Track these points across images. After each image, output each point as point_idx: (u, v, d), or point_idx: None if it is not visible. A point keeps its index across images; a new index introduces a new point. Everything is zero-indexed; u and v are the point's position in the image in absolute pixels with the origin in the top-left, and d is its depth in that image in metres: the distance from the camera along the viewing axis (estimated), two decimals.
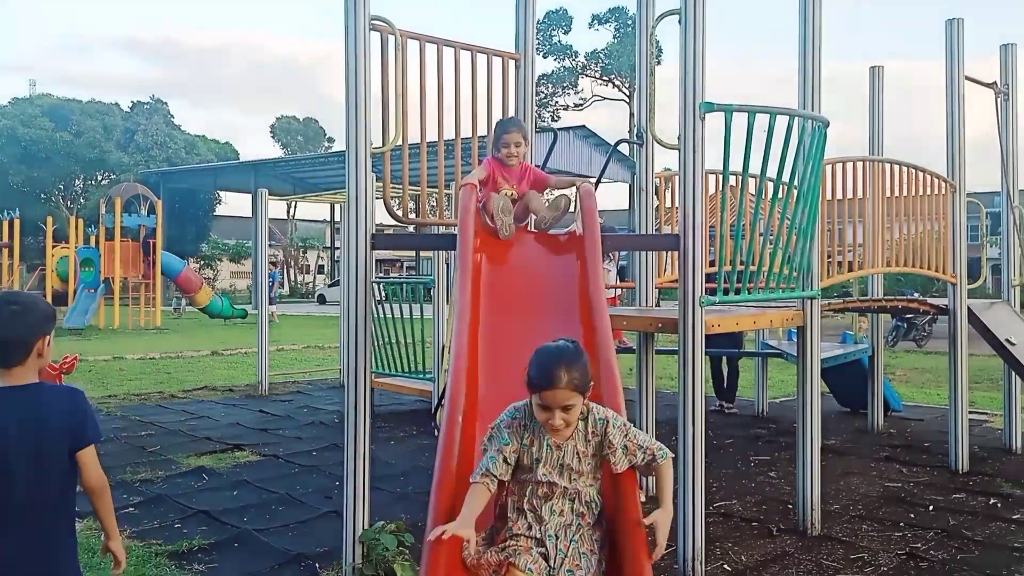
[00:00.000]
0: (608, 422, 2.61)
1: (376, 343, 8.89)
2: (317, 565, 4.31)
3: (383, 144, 4.42)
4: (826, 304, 6.39)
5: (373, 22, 4.28)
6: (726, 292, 4.41)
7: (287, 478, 6.27)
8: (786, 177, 4.50)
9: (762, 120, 4.28)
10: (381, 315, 8.81)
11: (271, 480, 6.18)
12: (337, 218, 43.96)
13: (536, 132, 5.36)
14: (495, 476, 2.54)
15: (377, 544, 4.11)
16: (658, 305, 6.50)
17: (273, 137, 63.19)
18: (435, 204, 4.95)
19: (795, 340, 5.65)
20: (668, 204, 6.69)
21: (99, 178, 47.11)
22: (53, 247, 23.35)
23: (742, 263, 4.48)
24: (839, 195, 6.01)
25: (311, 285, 51.91)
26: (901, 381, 11.87)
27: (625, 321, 5.01)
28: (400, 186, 4.70)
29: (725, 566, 4.44)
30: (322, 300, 41.99)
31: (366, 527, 4.26)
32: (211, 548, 4.64)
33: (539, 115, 50.86)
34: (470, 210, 3.94)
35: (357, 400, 4.26)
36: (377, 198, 5.78)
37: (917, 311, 7.45)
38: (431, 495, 2.67)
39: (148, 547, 4.60)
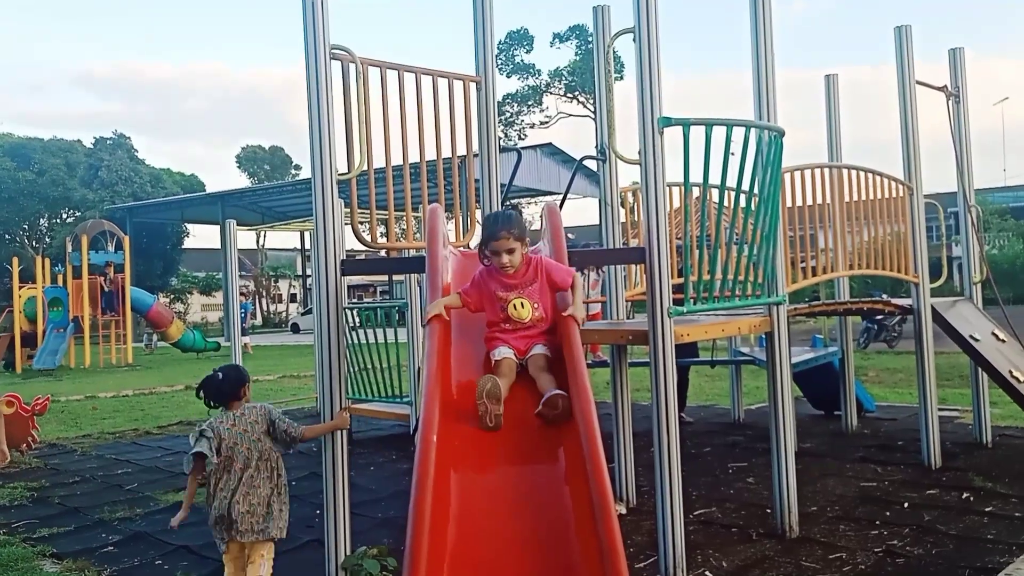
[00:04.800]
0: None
1: (352, 369, 8.87)
2: None
3: (348, 170, 4.46)
4: (793, 309, 6.51)
5: (333, 51, 4.34)
6: (694, 301, 4.49)
7: None
8: (746, 186, 4.60)
9: (720, 132, 4.38)
10: (355, 341, 8.80)
11: None
12: (307, 246, 43.82)
13: (500, 152, 5.43)
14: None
15: (360, 570, 4.11)
16: (631, 317, 6.58)
17: (239, 167, 62.86)
18: (405, 227, 5.00)
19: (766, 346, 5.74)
20: (637, 218, 6.79)
21: (64, 216, 46.60)
22: (20, 287, 23.04)
23: (708, 273, 4.56)
24: (799, 202, 6.13)
25: (284, 314, 51.58)
26: (873, 382, 12.03)
27: (597, 335, 5.07)
28: (368, 211, 4.72)
29: (707, 572, 4.49)
30: (296, 329, 41.74)
31: (348, 554, 4.26)
32: None
33: (505, 134, 51.19)
34: (437, 230, 3.98)
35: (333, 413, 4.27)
36: (345, 224, 5.81)
37: (883, 312, 7.59)
38: (409, 516, 2.69)
39: None
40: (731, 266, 4.69)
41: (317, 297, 4.43)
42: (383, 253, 9.05)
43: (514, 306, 3.48)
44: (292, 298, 57.14)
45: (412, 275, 8.55)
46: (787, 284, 5.44)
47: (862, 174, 6.61)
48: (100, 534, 5.68)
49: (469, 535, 2.83)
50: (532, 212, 54.91)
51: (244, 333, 23.81)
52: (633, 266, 6.81)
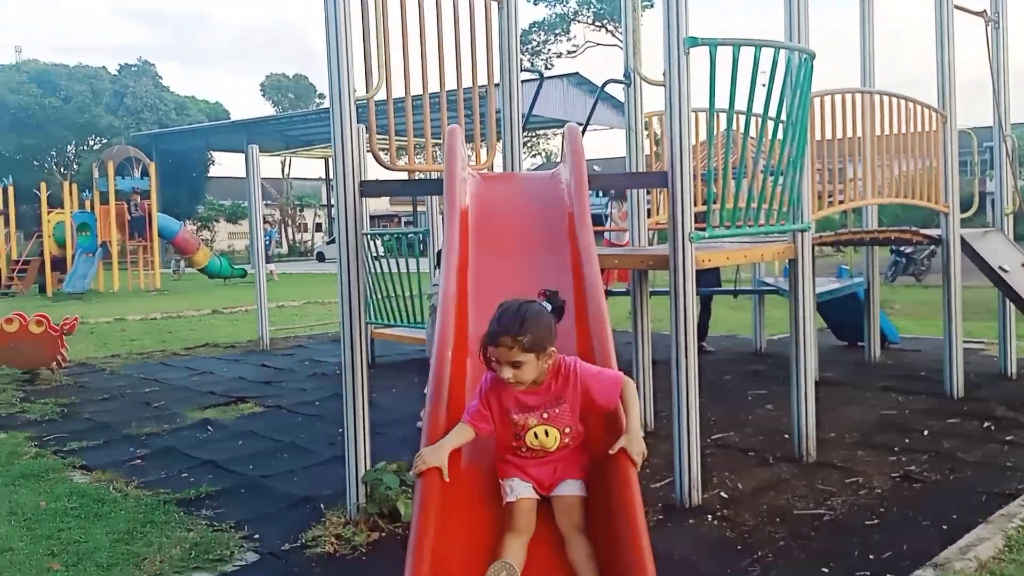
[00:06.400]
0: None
1: (376, 297, 8.95)
2: (322, 506, 4.40)
3: (367, 91, 4.40)
4: (818, 237, 6.43)
5: None
6: (716, 228, 4.43)
7: (291, 427, 6.37)
8: (774, 110, 4.49)
9: (748, 54, 4.26)
10: (379, 270, 8.87)
11: (275, 430, 6.28)
12: (331, 175, 43.79)
13: (521, 76, 5.32)
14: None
15: (380, 484, 4.20)
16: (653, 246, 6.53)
17: (264, 95, 62.45)
18: (424, 151, 4.94)
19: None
20: (662, 149, 6.69)
21: (91, 143, 46.75)
22: (49, 213, 23.28)
23: (732, 201, 4.49)
24: (830, 132, 5.99)
25: (309, 243, 51.83)
26: (900, 315, 11.92)
27: (617, 260, 5.04)
28: (387, 137, 4.67)
29: (722, 493, 4.54)
30: (321, 258, 41.94)
31: (369, 469, 4.34)
32: (218, 495, 4.74)
33: (532, 63, 50.32)
34: (456, 151, 3.94)
35: (353, 340, 4.31)
36: (366, 152, 5.74)
37: (911, 242, 7.48)
38: (422, 433, 2.72)
39: (156, 496, 4.69)
40: (756, 192, 4.62)
41: (338, 218, 4.42)
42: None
43: (534, 435, 2.60)
44: (317, 227, 57.32)
45: (434, 203, 8.55)
46: (813, 211, 5.36)
47: (895, 100, 6.43)
48: (128, 448, 5.84)
49: (484, 453, 2.85)
50: (556, 144, 54.33)
51: (269, 260, 23.93)
52: (657, 196, 6.74)
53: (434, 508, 2.46)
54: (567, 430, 2.61)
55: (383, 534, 4.07)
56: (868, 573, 3.51)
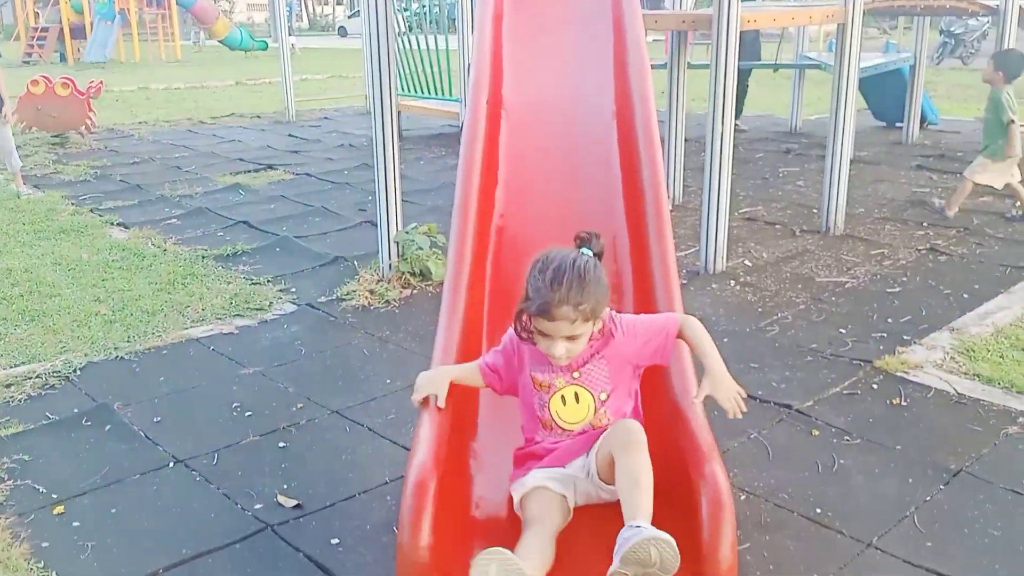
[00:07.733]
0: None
1: (402, 72, 8.71)
2: (356, 264, 4.52)
3: None
4: (870, 2, 6.08)
5: None
6: None
7: (321, 193, 6.43)
8: None
9: None
10: (406, 46, 8.59)
11: (306, 195, 6.35)
12: None
13: None
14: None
15: (411, 244, 4.29)
16: None
17: None
18: None
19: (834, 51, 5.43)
20: None
21: None
22: None
23: None
24: None
25: (330, 18, 49.97)
26: (943, 97, 11.51)
27: (656, 20, 4.82)
28: None
29: (746, 262, 4.60)
30: (343, 33, 40.48)
31: (400, 231, 4.41)
32: (254, 252, 4.88)
33: None
34: None
35: (384, 102, 4.22)
36: None
37: (966, 12, 7.07)
38: (457, 182, 2.72)
39: (194, 251, 4.84)
40: None
41: None
42: None
43: (561, 399, 2.02)
44: (338, 0, 55.02)
45: None
46: None
47: None
48: (163, 208, 5.95)
49: (517, 205, 2.87)
50: None
51: (290, 34, 23.17)
52: None
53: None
54: (603, 396, 2.01)
55: (414, 291, 4.20)
56: (885, 334, 3.61)
